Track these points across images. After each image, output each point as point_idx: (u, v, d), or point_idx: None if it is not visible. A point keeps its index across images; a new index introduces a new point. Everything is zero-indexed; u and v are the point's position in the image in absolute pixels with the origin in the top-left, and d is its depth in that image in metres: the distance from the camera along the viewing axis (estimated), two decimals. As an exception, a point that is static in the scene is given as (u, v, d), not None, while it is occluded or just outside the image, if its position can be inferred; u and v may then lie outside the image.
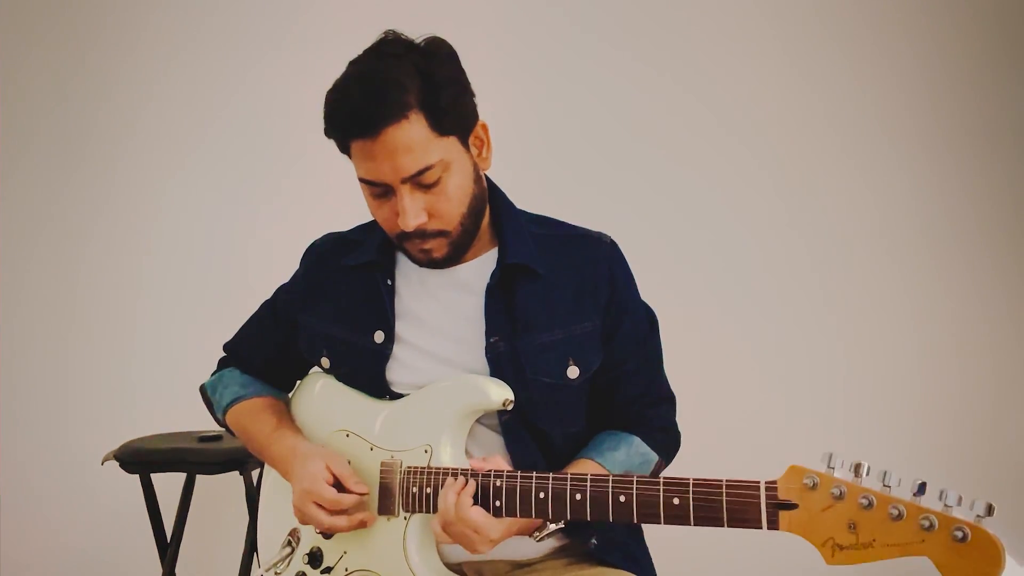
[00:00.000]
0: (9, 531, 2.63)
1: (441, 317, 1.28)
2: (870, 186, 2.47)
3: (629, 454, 1.27)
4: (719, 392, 2.39)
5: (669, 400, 1.36)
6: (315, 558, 1.28)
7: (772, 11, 2.50)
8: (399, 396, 1.28)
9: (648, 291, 1.36)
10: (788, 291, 2.48)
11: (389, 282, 1.31)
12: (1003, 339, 2.41)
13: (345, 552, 1.26)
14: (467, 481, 1.13)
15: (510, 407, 1.19)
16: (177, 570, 2.15)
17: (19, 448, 2.64)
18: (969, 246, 2.43)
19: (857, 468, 0.93)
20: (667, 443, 1.33)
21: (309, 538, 1.30)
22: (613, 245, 1.32)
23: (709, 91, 2.51)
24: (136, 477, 2.12)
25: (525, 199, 1.37)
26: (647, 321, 1.34)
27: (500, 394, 1.19)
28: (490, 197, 1.31)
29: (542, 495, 1.10)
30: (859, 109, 2.47)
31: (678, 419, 1.37)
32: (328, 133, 1.20)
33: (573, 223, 1.36)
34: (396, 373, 1.28)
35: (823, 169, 2.49)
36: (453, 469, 1.16)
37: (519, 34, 2.57)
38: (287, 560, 1.30)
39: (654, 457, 1.29)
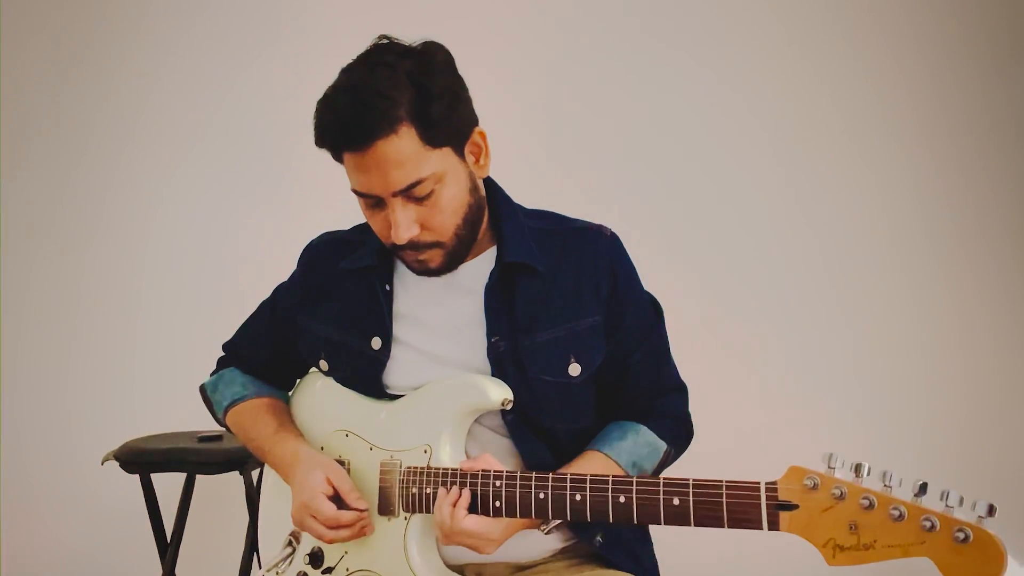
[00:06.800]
0: (9, 531, 2.63)
1: (441, 319, 1.27)
2: (877, 187, 2.46)
3: (636, 443, 1.25)
4: (723, 389, 2.38)
5: (679, 389, 1.34)
6: (316, 558, 1.28)
7: (782, 13, 2.50)
8: (399, 397, 1.27)
9: (652, 287, 1.35)
10: (793, 288, 2.48)
11: (388, 287, 1.30)
12: (1008, 339, 2.41)
13: (346, 552, 1.26)
14: (460, 493, 1.13)
15: (509, 407, 1.19)
16: (177, 570, 2.15)
17: (19, 448, 2.64)
18: (974, 246, 2.43)
19: (858, 468, 0.93)
20: (678, 432, 1.31)
21: (310, 538, 1.29)
22: (613, 237, 1.30)
23: (718, 88, 2.51)
24: (136, 477, 2.12)
25: (529, 196, 1.36)
26: (651, 311, 1.32)
27: (499, 393, 1.18)
28: (489, 197, 1.29)
29: (542, 495, 1.10)
30: (867, 110, 2.47)
31: None
32: (319, 144, 1.18)
33: (577, 218, 1.33)
34: (395, 377, 1.27)
35: (829, 170, 2.48)
36: (452, 471, 1.16)
37: (521, 33, 2.57)
38: (288, 560, 1.30)
39: (663, 445, 1.27)
